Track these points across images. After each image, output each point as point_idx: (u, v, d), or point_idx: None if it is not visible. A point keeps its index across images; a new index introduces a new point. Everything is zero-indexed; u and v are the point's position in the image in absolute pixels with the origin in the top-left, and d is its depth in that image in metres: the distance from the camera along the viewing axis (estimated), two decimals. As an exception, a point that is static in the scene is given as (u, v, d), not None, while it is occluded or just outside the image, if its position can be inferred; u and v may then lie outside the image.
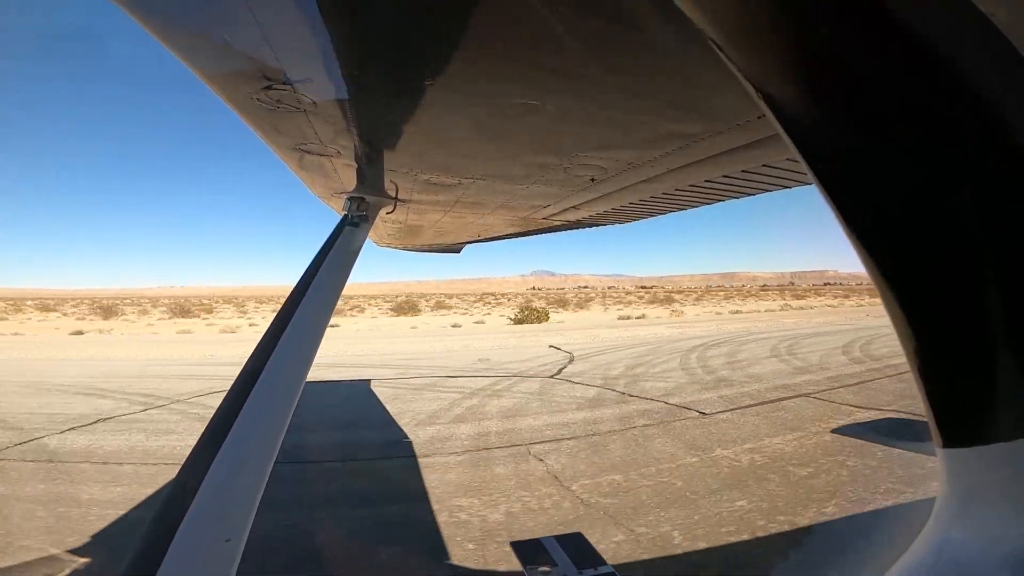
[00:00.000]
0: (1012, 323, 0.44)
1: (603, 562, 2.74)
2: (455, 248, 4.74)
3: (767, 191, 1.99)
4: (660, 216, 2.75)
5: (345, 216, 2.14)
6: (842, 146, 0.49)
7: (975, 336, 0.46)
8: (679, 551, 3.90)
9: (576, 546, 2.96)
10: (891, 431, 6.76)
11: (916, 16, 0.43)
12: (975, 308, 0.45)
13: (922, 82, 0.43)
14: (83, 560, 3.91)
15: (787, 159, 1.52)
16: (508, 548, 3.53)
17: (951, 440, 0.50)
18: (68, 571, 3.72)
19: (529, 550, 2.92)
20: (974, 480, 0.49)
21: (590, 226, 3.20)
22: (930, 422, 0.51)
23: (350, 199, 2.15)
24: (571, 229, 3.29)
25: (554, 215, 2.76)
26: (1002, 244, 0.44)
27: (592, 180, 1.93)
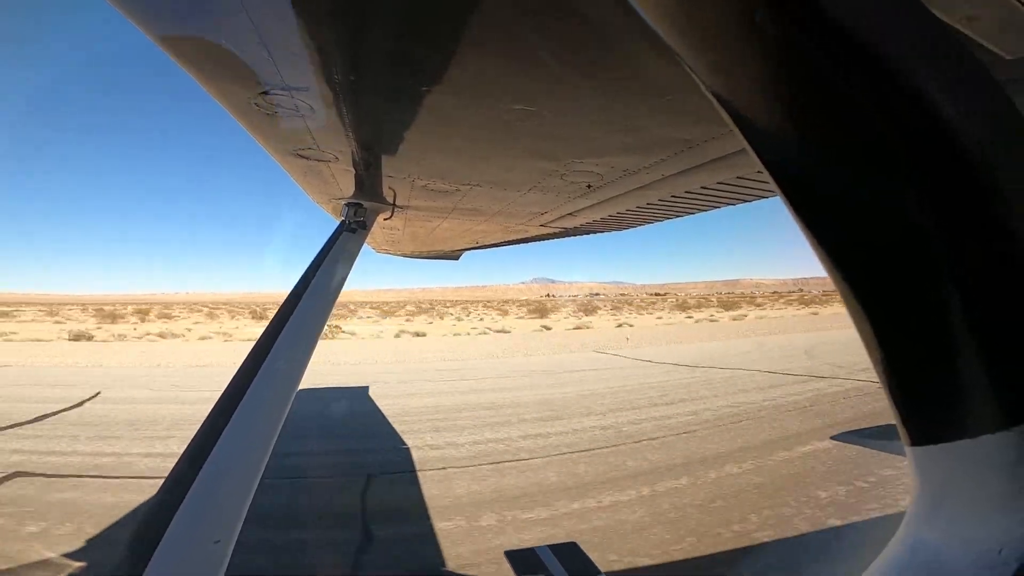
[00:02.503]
0: (971, 318, 0.44)
1: (597, 571, 2.72)
2: (454, 255, 4.75)
3: (764, 198, 2.00)
4: (658, 223, 2.77)
5: (343, 222, 2.14)
6: (798, 152, 0.51)
7: (936, 332, 0.46)
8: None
9: (570, 555, 2.94)
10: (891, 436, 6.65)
11: (871, 21, 0.44)
12: (935, 304, 0.45)
13: (878, 91, 0.44)
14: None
15: None
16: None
17: (918, 438, 0.49)
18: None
19: (523, 559, 2.90)
20: (943, 479, 0.48)
21: (588, 233, 3.21)
22: (896, 420, 0.50)
23: (348, 205, 2.15)
24: (569, 236, 3.29)
25: (552, 222, 2.77)
26: (959, 239, 0.45)
27: (588, 187, 1.94)
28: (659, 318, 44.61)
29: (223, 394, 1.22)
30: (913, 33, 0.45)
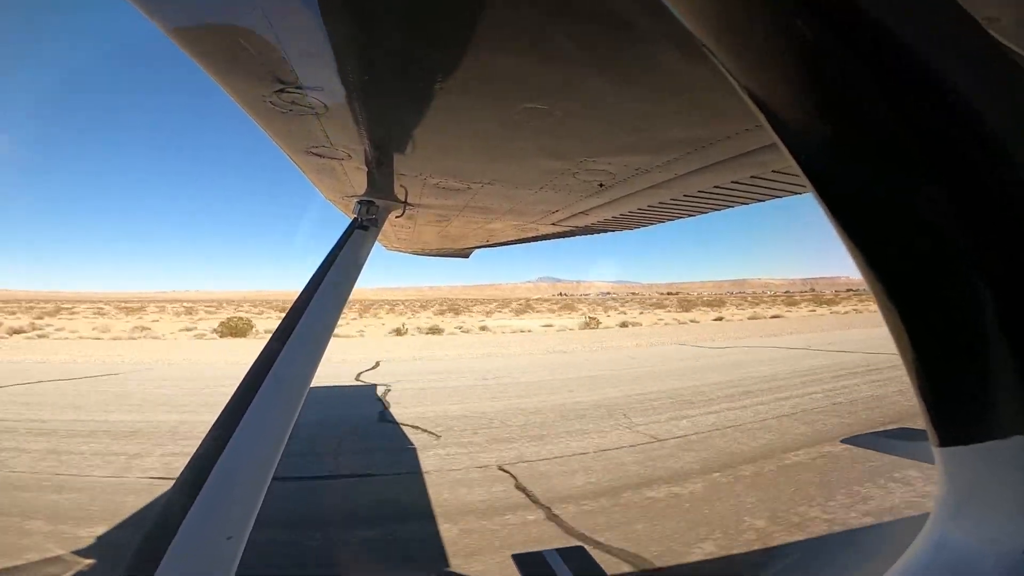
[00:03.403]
0: (1005, 318, 0.44)
1: (604, 575, 2.71)
2: (464, 253, 4.75)
3: (778, 197, 1.98)
4: (669, 222, 2.75)
5: (355, 219, 2.16)
6: (832, 149, 0.50)
7: (968, 332, 0.46)
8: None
9: (577, 559, 2.93)
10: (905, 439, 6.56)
11: (904, 19, 0.44)
12: (967, 304, 0.45)
13: (915, 88, 0.44)
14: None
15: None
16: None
17: (946, 439, 0.49)
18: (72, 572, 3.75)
19: (529, 562, 2.90)
20: (971, 479, 0.48)
21: (599, 232, 3.19)
22: (925, 420, 0.50)
23: (360, 202, 2.17)
24: (580, 235, 3.28)
25: (563, 220, 2.76)
26: (994, 238, 0.44)
27: (601, 185, 1.93)
28: (694, 319, 44.08)
29: (236, 390, 1.23)
30: (951, 29, 0.45)
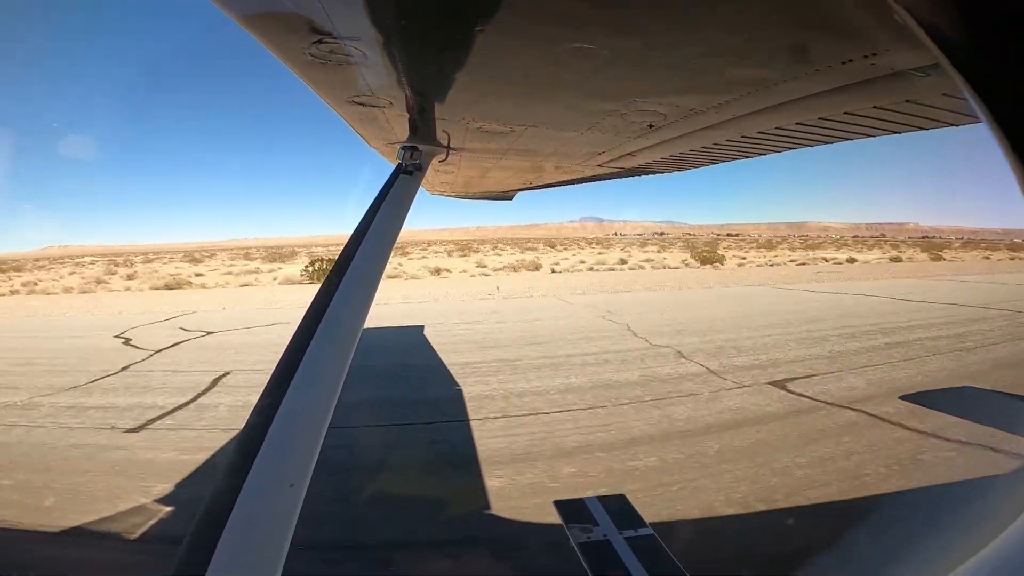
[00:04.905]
0: None
1: (644, 524, 2.77)
2: (507, 195, 4.70)
3: (846, 140, 1.81)
4: (723, 164, 2.59)
5: (399, 165, 2.16)
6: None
7: None
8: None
9: (618, 507, 3.00)
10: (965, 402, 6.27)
11: None
12: None
13: None
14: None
15: (874, 107, 1.36)
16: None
17: None
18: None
19: (571, 509, 2.99)
20: None
21: (646, 173, 3.06)
22: None
23: (403, 148, 2.16)
24: (626, 176, 3.16)
25: (609, 162, 2.67)
26: None
27: (650, 127, 1.83)
28: (772, 260, 42.28)
29: (291, 341, 1.28)
30: None
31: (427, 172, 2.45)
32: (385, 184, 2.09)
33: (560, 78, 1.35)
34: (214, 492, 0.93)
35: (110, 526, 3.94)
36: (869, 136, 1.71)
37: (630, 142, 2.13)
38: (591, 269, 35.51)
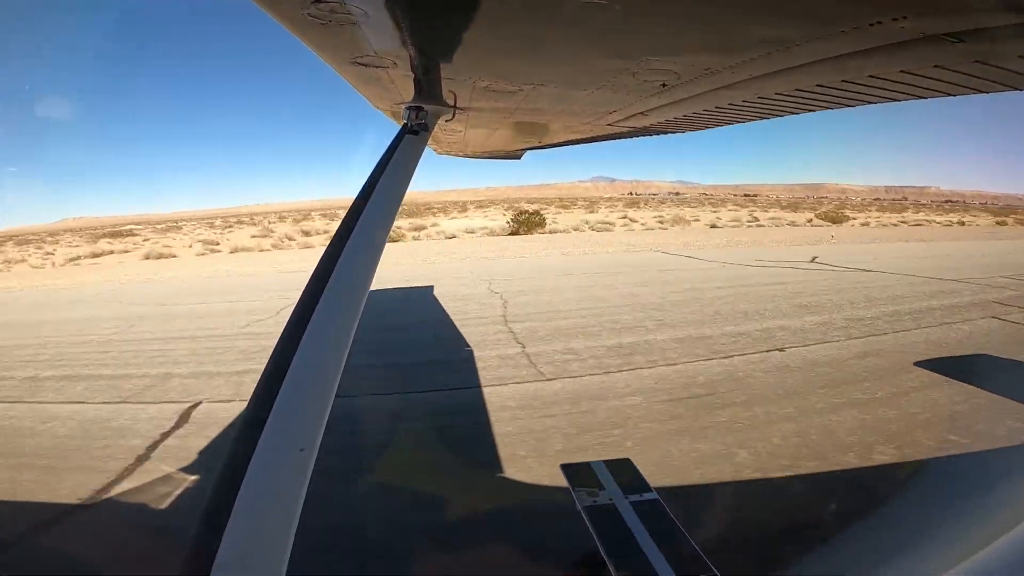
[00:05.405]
0: None
1: (649, 488, 2.79)
2: (516, 154, 4.62)
3: (870, 104, 1.74)
4: (739, 124, 2.51)
5: (404, 125, 2.12)
6: None
7: None
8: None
9: (624, 471, 3.01)
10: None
11: None
12: None
13: None
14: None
15: (900, 71, 1.30)
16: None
17: None
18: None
19: (577, 472, 3.00)
20: None
21: (658, 133, 2.98)
22: None
23: (408, 109, 2.11)
24: (637, 136, 3.08)
25: (619, 121, 2.59)
26: None
27: (664, 86, 1.77)
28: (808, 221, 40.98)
29: (298, 304, 1.28)
30: None
31: (434, 132, 2.40)
32: (391, 144, 2.05)
33: (571, 35, 1.30)
34: (227, 457, 0.96)
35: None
36: (894, 100, 1.63)
37: (641, 101, 2.06)
38: (715, 227, 34.63)
